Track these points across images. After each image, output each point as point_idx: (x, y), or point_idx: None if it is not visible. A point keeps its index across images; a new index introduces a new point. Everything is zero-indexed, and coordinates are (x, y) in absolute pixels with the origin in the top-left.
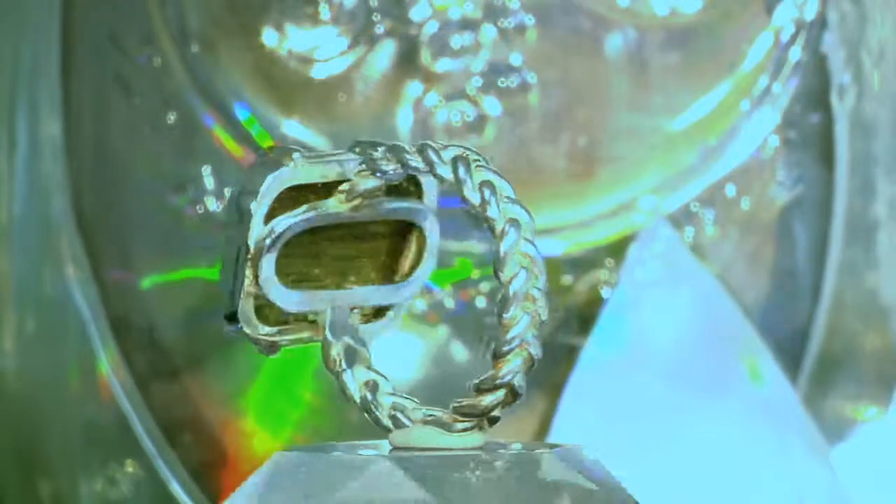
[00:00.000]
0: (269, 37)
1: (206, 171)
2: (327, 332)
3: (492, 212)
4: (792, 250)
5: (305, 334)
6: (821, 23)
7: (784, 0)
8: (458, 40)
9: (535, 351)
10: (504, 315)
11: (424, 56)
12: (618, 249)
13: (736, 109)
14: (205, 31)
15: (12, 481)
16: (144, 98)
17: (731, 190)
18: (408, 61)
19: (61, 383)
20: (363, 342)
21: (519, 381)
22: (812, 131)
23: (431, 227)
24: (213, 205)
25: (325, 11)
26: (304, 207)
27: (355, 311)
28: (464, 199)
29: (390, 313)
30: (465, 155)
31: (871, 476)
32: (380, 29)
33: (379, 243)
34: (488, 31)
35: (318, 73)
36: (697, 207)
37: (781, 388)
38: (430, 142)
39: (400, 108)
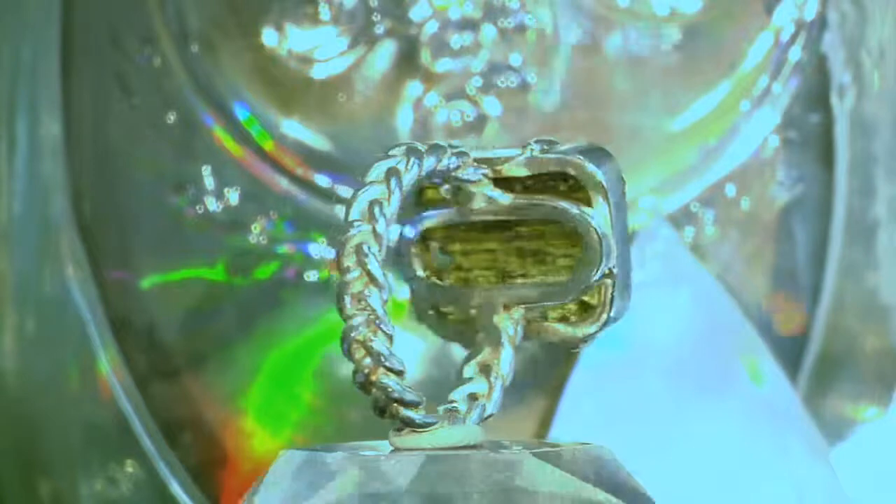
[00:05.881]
0: (269, 37)
1: (206, 171)
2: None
3: (351, 211)
4: (792, 250)
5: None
6: (821, 23)
7: (784, 0)
8: (458, 40)
9: (392, 364)
10: (339, 306)
11: (424, 56)
12: None
13: (736, 109)
14: (205, 31)
15: (12, 481)
16: (144, 98)
17: (731, 190)
18: (408, 61)
19: (61, 383)
20: (507, 341)
21: (385, 385)
22: (812, 131)
23: (590, 236)
24: (212, 205)
25: (325, 11)
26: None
27: (517, 309)
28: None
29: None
30: (389, 155)
31: (871, 476)
32: (380, 29)
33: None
34: (488, 31)
35: (318, 73)
36: (697, 207)
37: (781, 388)
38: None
39: (400, 108)
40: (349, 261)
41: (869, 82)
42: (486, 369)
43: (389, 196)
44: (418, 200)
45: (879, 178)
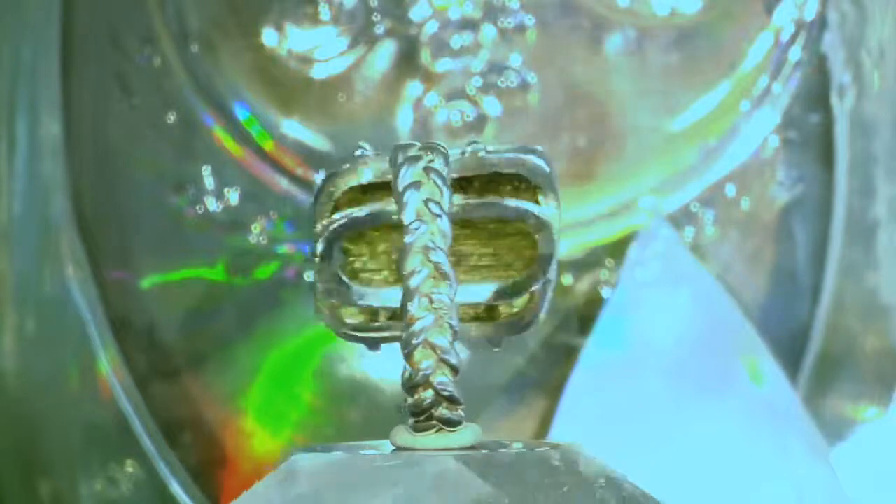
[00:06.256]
0: (269, 37)
1: (206, 171)
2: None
3: (405, 213)
4: (792, 250)
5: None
6: (821, 23)
7: (784, 0)
8: (458, 40)
9: (451, 358)
10: (406, 309)
11: (424, 56)
12: (618, 249)
13: (736, 109)
14: (205, 31)
15: (12, 481)
16: (144, 98)
17: (731, 190)
18: (408, 61)
19: (61, 383)
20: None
21: (441, 383)
22: (812, 131)
23: (548, 233)
24: (212, 205)
25: (325, 11)
26: (367, 206)
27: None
28: (396, 199)
29: (538, 315)
30: (418, 156)
31: (871, 476)
32: (380, 29)
33: (518, 241)
34: (488, 31)
35: (318, 73)
36: (697, 207)
37: (781, 388)
38: (409, 142)
39: (400, 108)
40: (414, 263)
41: (869, 82)
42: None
43: (441, 192)
44: (329, 203)
45: (879, 178)
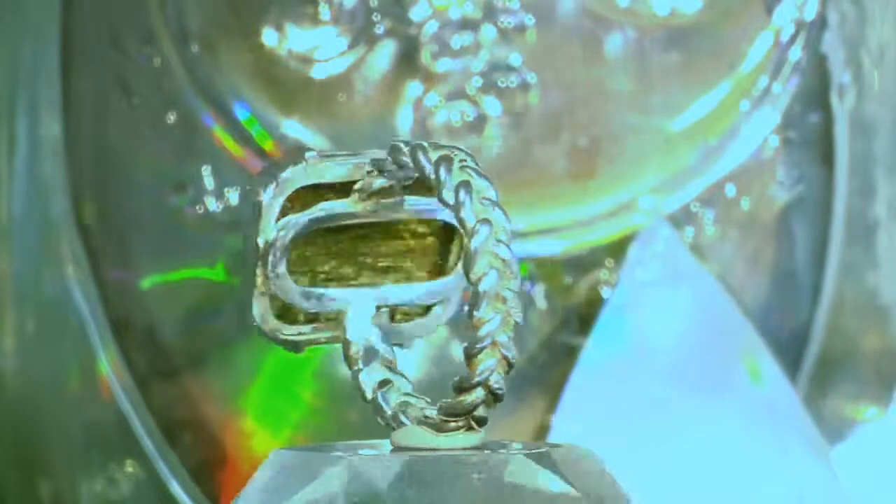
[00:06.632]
0: (269, 37)
1: (206, 171)
2: (347, 331)
3: (465, 213)
4: (792, 250)
5: (329, 333)
6: (821, 23)
7: (784, 0)
8: (458, 40)
9: (510, 353)
10: (474, 313)
11: (424, 56)
12: (618, 249)
13: (736, 109)
14: (205, 31)
15: (12, 481)
16: (144, 98)
17: (731, 190)
18: (408, 61)
19: (61, 383)
20: (389, 342)
21: (496, 381)
22: (812, 131)
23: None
24: (213, 205)
25: (325, 11)
26: (316, 206)
27: (383, 309)
28: (442, 201)
29: (435, 311)
30: (450, 155)
31: (871, 476)
32: (380, 29)
33: (427, 242)
34: (488, 31)
35: (318, 73)
36: (697, 207)
37: (781, 388)
38: (422, 142)
39: (400, 108)
40: (482, 266)
41: (869, 82)
42: (391, 365)
43: (489, 187)
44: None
45: (879, 178)
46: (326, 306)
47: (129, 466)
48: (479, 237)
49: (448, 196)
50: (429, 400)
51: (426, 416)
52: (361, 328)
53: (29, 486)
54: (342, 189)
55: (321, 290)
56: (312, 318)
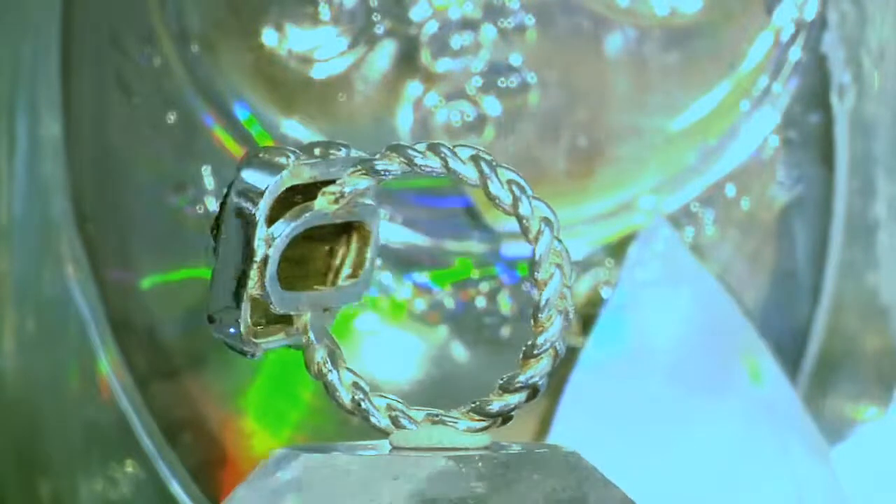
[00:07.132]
0: (269, 37)
1: (206, 171)
2: (311, 335)
3: (523, 210)
4: (792, 250)
5: (281, 336)
6: (821, 23)
7: (784, 0)
8: (458, 40)
9: (561, 348)
10: (540, 317)
11: (424, 56)
12: (618, 249)
13: (736, 109)
14: (205, 31)
15: (12, 481)
16: (144, 98)
17: (731, 190)
18: (408, 61)
19: (61, 383)
20: (338, 344)
21: (543, 381)
22: (812, 131)
23: (377, 224)
24: (213, 205)
25: (325, 11)
26: (297, 209)
27: (327, 311)
28: (490, 196)
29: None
30: (481, 153)
31: (871, 476)
32: (380, 29)
33: (325, 243)
34: (488, 31)
35: (318, 73)
36: (697, 207)
37: (781, 388)
38: (440, 142)
39: (400, 108)
40: (547, 271)
41: (869, 82)
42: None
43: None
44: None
45: (879, 178)
46: (301, 309)
47: (129, 466)
48: (544, 239)
49: (499, 192)
50: (399, 399)
51: (437, 416)
52: (321, 331)
53: (29, 486)
54: (305, 189)
55: (296, 295)
56: (260, 323)
